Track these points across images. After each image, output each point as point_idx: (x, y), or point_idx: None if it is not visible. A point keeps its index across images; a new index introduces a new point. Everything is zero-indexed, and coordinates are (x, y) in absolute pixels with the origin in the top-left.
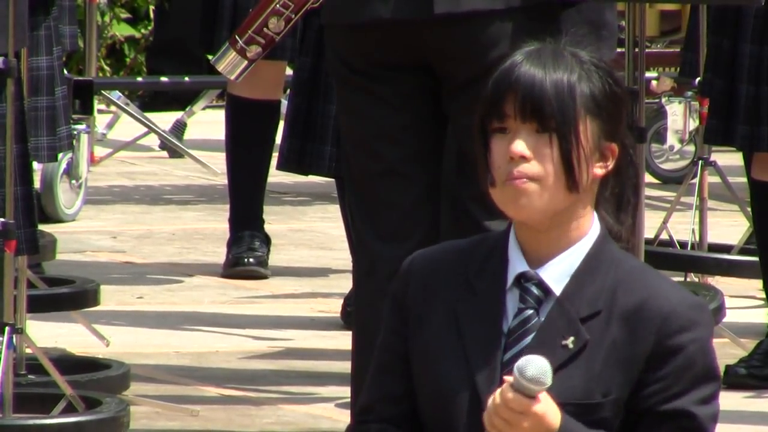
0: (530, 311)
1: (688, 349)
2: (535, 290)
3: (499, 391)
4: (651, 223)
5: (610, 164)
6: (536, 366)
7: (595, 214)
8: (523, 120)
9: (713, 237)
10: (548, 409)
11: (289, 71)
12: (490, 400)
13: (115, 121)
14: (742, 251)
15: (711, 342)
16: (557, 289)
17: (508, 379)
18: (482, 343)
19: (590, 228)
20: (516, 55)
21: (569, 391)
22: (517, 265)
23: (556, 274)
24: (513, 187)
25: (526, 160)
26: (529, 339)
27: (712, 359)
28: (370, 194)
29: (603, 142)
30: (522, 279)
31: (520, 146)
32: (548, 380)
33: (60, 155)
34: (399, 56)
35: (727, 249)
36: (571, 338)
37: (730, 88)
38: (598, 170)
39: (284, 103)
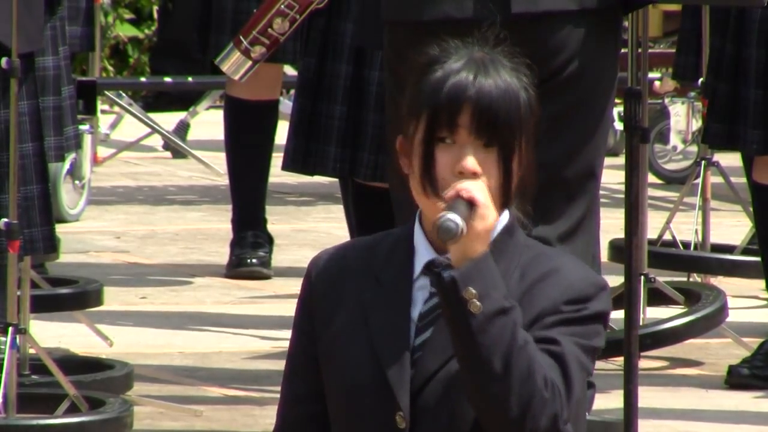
0: None
1: (580, 315)
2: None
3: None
4: (654, 224)
5: (525, 165)
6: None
7: None
8: (477, 135)
9: (716, 237)
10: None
11: (288, 71)
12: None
13: (119, 121)
14: (745, 251)
15: (600, 317)
16: None
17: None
18: (389, 330)
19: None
20: (460, 65)
21: None
22: (424, 254)
23: None
24: None
25: (476, 176)
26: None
27: (595, 334)
28: None
29: (528, 150)
30: (432, 266)
31: (472, 162)
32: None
33: None
34: None
35: (729, 249)
36: None
37: (734, 92)
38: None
39: (285, 102)
